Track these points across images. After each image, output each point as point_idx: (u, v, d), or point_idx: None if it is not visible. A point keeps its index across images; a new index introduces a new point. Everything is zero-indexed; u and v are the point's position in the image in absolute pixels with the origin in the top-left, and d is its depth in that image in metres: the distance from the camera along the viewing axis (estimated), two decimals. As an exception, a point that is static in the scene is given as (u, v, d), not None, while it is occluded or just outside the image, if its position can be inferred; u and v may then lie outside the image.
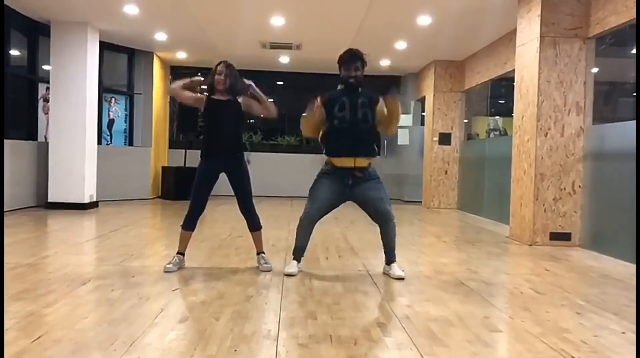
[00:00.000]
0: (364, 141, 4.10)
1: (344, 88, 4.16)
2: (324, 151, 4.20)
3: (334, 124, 4.08)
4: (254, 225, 4.31)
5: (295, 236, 4.24)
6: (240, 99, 4.17)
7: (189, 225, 4.19)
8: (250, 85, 4.16)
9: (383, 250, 4.24)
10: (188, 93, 4.20)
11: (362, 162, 4.07)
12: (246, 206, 4.24)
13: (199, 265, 4.39)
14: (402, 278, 4.03)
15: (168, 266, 4.12)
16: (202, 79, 4.24)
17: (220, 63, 4.17)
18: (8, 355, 2.32)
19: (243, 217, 4.32)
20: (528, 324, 3.00)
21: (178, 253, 4.22)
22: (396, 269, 4.13)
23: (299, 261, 4.20)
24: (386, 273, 4.19)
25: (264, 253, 4.34)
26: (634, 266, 4.75)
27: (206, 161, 4.19)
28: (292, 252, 4.26)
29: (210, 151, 4.18)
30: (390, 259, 4.21)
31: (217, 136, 4.16)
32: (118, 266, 4.28)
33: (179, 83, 4.21)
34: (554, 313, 3.24)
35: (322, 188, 4.13)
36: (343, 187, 4.09)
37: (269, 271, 4.17)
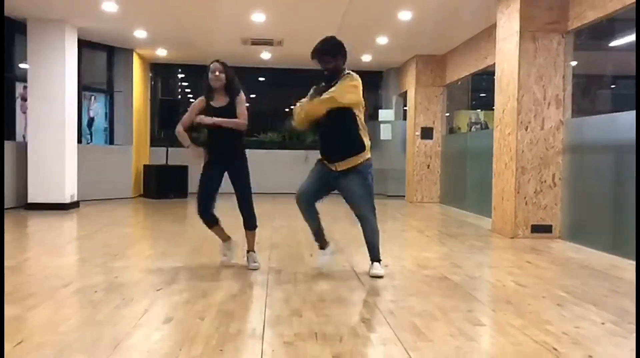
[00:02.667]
0: (343, 144, 3.96)
1: (325, 81, 4.05)
2: None
3: (318, 126, 4.04)
4: (249, 224, 4.29)
5: None
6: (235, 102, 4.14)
7: (206, 216, 4.21)
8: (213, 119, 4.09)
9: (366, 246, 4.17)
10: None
11: (344, 165, 3.96)
12: (242, 204, 4.23)
13: (183, 264, 4.37)
14: (380, 277, 3.96)
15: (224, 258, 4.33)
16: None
17: (213, 61, 4.14)
18: (-11, 360, 2.29)
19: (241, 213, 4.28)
20: (510, 317, 3.04)
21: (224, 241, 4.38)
22: (375, 268, 4.04)
23: (324, 248, 4.23)
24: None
25: (254, 251, 4.33)
26: (613, 257, 4.83)
27: (210, 164, 4.20)
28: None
29: (212, 157, 4.19)
30: (372, 257, 4.10)
31: (217, 143, 4.16)
32: (101, 267, 4.24)
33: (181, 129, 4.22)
34: (536, 306, 3.29)
35: (314, 169, 4.14)
36: (329, 175, 4.03)
37: (256, 270, 4.16)
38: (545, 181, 5.88)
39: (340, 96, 3.88)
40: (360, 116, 4.00)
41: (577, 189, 5.67)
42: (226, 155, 4.18)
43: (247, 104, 4.26)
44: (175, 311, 3.10)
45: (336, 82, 3.96)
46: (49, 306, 3.12)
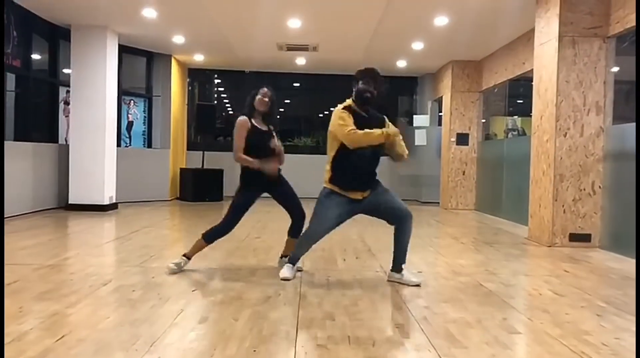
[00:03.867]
0: (374, 176, 3.99)
1: (358, 105, 3.89)
2: (331, 178, 3.91)
3: (353, 155, 3.79)
4: (300, 231, 4.29)
5: (297, 246, 4.11)
6: (273, 134, 4.26)
7: (212, 239, 4.22)
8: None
9: (393, 254, 3.98)
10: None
11: (368, 194, 3.93)
12: (300, 208, 4.31)
13: (218, 266, 4.43)
14: (419, 285, 3.87)
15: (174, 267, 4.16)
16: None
17: (264, 87, 4.24)
18: (33, 354, 2.37)
19: (295, 222, 4.30)
20: (547, 326, 2.98)
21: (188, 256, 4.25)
22: (411, 275, 3.95)
23: (293, 265, 4.08)
24: (396, 281, 3.94)
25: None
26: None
27: (254, 188, 4.20)
28: (288, 259, 4.13)
29: (258, 180, 4.14)
30: (400, 263, 3.95)
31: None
32: (138, 267, 4.33)
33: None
34: (574, 315, 3.21)
35: (331, 207, 3.89)
36: (352, 208, 3.93)
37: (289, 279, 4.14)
38: (584, 189, 5.74)
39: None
40: None
41: (619, 198, 5.52)
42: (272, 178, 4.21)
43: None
44: (210, 311, 3.14)
45: (373, 117, 3.94)
46: (89, 304, 3.21)
